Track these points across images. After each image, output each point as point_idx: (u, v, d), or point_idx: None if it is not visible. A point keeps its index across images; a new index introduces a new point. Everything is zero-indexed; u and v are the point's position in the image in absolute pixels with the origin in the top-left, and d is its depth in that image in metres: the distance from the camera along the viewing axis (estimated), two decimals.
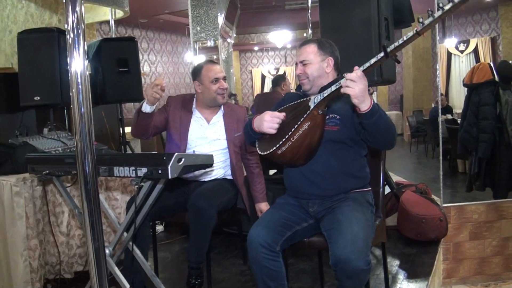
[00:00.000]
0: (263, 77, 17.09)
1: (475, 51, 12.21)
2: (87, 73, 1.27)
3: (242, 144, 2.83)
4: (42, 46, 3.24)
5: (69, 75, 1.23)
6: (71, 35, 1.23)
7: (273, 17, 12.37)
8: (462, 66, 12.53)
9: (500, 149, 4.18)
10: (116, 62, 3.97)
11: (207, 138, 2.77)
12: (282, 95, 5.44)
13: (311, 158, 2.08)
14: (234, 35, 10.72)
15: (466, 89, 4.67)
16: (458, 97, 12.58)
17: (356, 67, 1.83)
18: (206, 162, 2.09)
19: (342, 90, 1.83)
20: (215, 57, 7.39)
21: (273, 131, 2.04)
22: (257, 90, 16.58)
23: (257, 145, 2.13)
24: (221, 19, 6.55)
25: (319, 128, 1.99)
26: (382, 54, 1.78)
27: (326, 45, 2.22)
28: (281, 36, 13.57)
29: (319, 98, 1.98)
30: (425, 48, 11.80)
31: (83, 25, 1.24)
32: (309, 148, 2.01)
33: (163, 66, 12.41)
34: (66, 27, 1.23)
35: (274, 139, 2.01)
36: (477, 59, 12.00)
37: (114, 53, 3.97)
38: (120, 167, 1.95)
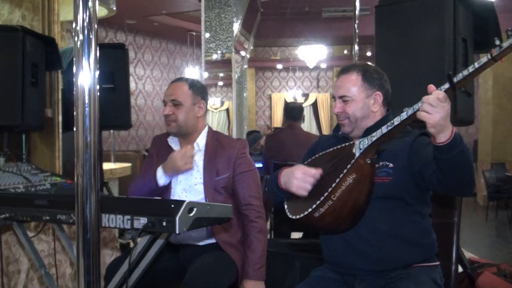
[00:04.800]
0: None
1: None
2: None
3: (231, 190, 2.76)
4: (1, 49, 3.23)
5: (75, 90, 1.33)
6: (80, 36, 1.33)
7: (304, 26, 12.51)
8: None
9: None
10: (99, 76, 4.08)
11: (181, 182, 2.75)
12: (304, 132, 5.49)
13: (357, 221, 2.13)
14: (251, 48, 10.85)
15: None
16: None
17: (433, 87, 1.83)
18: (223, 215, 2.12)
19: (418, 116, 1.82)
20: (221, 74, 7.47)
21: (305, 193, 2.09)
22: (278, 122, 16.63)
23: (286, 206, 2.19)
24: (236, 26, 6.71)
25: (367, 181, 2.04)
26: (447, 85, 1.82)
27: (373, 75, 2.26)
28: (314, 52, 13.70)
29: (366, 142, 2.03)
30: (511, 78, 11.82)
31: (95, 25, 1.35)
32: (355, 208, 2.06)
33: (153, 84, 12.40)
34: (74, 26, 1.33)
35: (309, 198, 2.07)
36: None
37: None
38: (111, 214, 2.00)
